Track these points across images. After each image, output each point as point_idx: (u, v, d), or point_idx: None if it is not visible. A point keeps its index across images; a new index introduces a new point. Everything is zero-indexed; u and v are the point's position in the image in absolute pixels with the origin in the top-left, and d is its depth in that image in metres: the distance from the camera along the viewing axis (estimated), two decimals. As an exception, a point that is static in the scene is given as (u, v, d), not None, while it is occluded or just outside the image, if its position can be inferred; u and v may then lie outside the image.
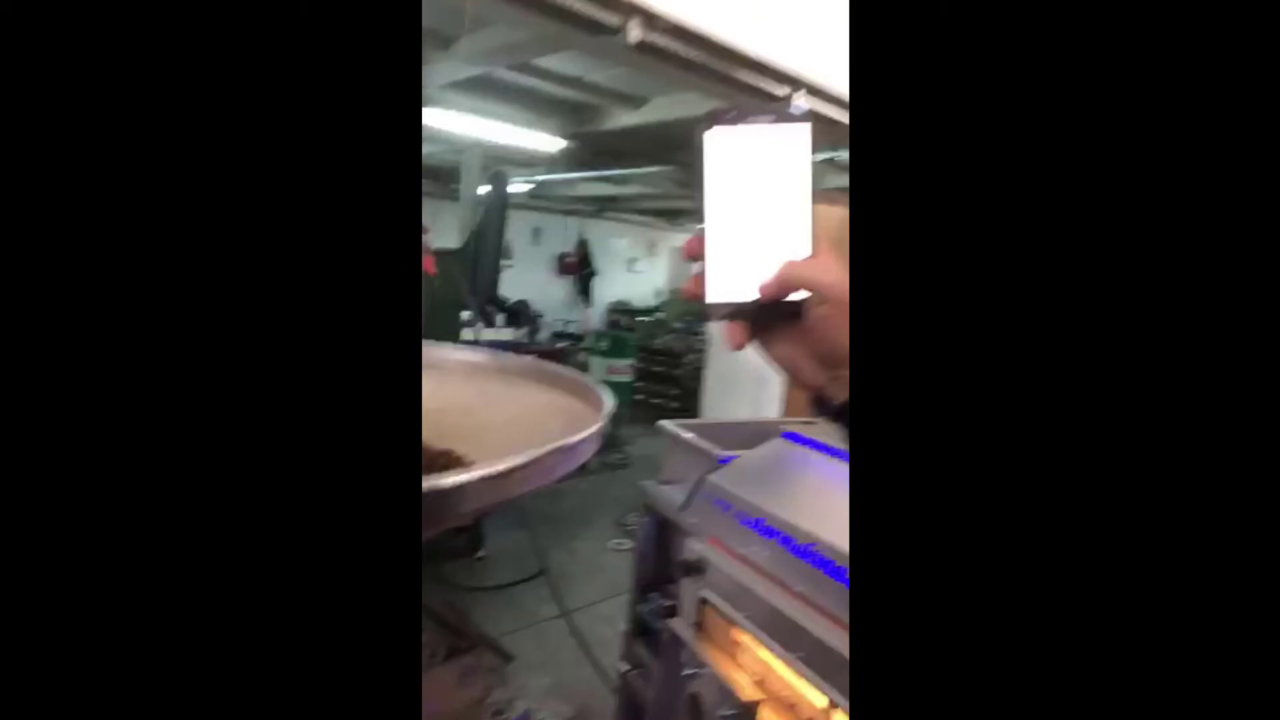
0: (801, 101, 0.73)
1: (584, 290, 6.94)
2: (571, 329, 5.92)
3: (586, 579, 2.53)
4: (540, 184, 5.32)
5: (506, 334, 3.97)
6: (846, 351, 0.37)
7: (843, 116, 2.79)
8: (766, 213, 0.41)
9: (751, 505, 1.01)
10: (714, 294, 0.41)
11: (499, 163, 4.02)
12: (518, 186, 5.31)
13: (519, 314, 4.36)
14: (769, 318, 0.41)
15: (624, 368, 4.97)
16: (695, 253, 0.43)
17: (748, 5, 2.24)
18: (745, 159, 0.41)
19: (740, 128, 0.42)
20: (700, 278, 0.42)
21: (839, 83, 2.58)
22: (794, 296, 0.40)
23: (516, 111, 3.52)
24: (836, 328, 0.38)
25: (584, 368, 4.71)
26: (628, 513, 3.00)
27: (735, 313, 0.41)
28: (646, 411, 4.39)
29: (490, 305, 3.25)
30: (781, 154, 0.41)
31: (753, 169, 0.41)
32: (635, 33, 2.03)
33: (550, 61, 2.86)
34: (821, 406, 0.43)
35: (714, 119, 0.41)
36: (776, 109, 0.42)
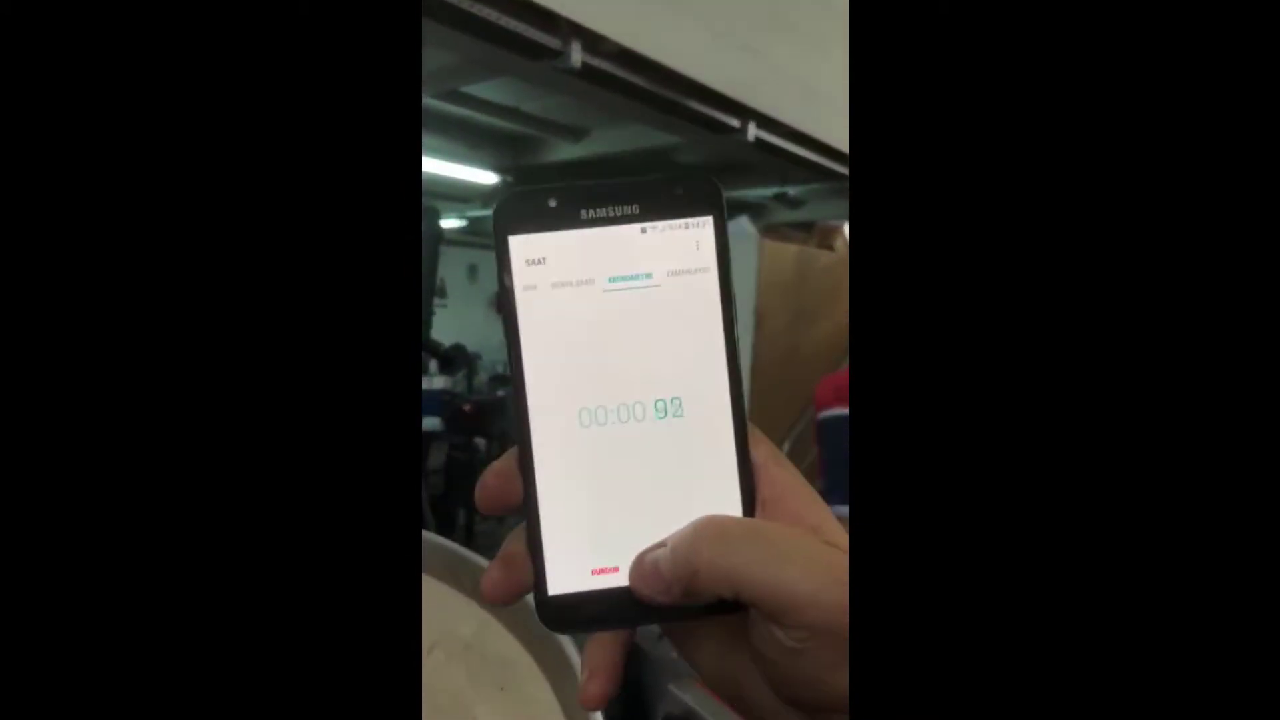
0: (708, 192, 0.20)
1: (524, 328, 6.70)
2: (511, 371, 5.65)
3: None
4: (476, 219, 5.09)
5: (440, 383, 3.67)
6: (836, 694, 0.20)
7: (796, 149, 2.66)
8: (645, 402, 0.21)
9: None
10: (560, 580, 0.21)
11: (430, 198, 3.78)
12: (451, 222, 5.07)
13: (454, 359, 4.06)
14: (672, 612, 0.22)
15: (568, 412, 4.68)
16: (499, 498, 0.22)
17: (698, 31, 2.07)
18: (594, 297, 0.21)
19: (578, 234, 0.21)
20: (511, 551, 0.22)
21: (792, 113, 2.44)
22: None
23: (447, 144, 3.29)
24: (815, 666, 0.20)
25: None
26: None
27: (605, 615, 0.21)
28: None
29: (422, 351, 2.95)
30: (675, 290, 0.21)
31: (613, 317, 0.21)
32: (577, 56, 1.83)
33: (484, 89, 2.65)
34: None
35: (523, 205, 0.21)
36: (648, 186, 0.21)
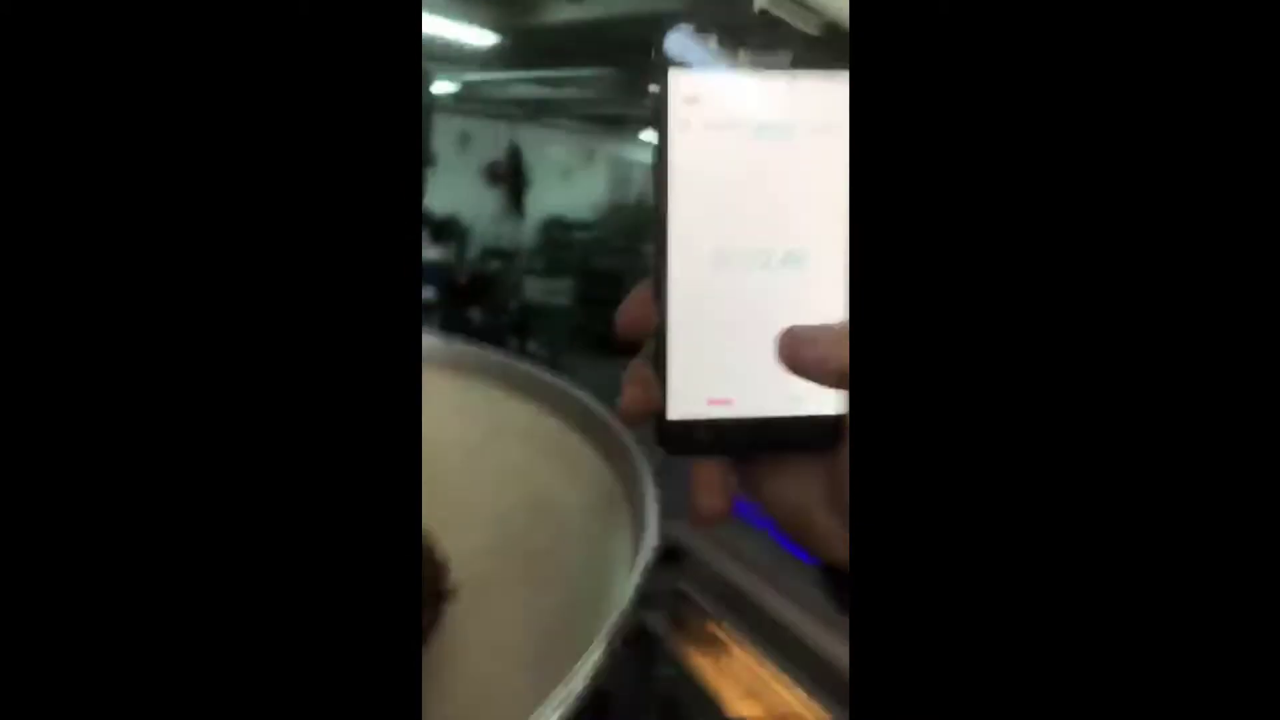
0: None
1: (516, 203, 6.57)
2: (503, 245, 5.62)
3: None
4: (468, 85, 4.88)
5: (432, 254, 3.67)
6: None
7: (800, 25, 2.54)
8: (774, 250, 0.22)
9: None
10: (680, 405, 0.22)
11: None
12: (443, 87, 4.86)
13: (445, 228, 4.03)
14: (772, 443, 0.23)
15: (562, 289, 4.71)
16: (638, 323, 0.23)
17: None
18: (742, 141, 0.22)
19: (735, 77, 0.21)
20: (644, 374, 0.23)
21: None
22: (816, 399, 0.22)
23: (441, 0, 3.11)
24: None
25: (518, 289, 4.47)
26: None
27: (715, 442, 0.23)
28: (587, 340, 4.15)
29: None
30: (815, 144, 0.22)
31: (756, 163, 0.22)
32: (582, -95, 1.73)
33: (479, -60, 2.49)
34: (834, 584, 0.26)
35: (687, 41, 0.22)
36: (804, 37, 0.22)
